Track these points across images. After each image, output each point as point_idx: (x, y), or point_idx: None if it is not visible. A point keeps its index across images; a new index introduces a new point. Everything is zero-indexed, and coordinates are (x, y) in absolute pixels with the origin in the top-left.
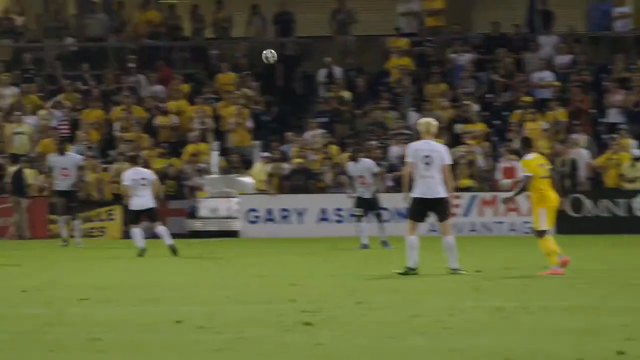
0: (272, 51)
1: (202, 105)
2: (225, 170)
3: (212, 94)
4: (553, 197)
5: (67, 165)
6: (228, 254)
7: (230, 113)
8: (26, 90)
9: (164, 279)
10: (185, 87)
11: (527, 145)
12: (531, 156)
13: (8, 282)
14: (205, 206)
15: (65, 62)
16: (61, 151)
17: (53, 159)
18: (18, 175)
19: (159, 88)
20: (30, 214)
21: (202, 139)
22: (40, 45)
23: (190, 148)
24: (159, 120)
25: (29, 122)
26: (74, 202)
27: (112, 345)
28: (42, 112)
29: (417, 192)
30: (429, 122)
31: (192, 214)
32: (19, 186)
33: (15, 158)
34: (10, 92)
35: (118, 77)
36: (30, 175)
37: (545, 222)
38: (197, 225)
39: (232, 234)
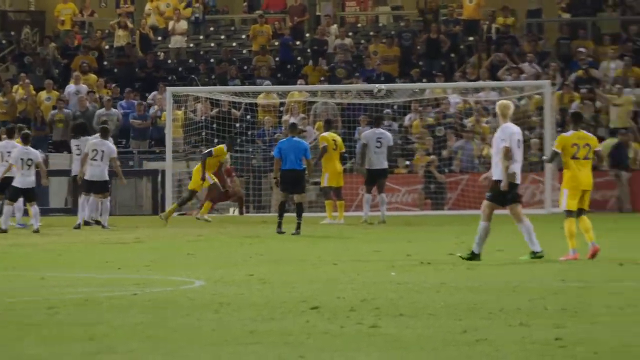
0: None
1: None
2: None
3: None
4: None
5: None
6: None
7: None
8: (629, 63)
9: None
10: None
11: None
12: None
13: (605, 256)
14: None
15: None
16: None
17: None
18: (619, 149)
19: None
20: (631, 187)
21: None
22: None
23: None
24: None
25: (629, 94)
26: None
27: None
28: None
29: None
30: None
31: None
32: (619, 159)
33: (614, 131)
34: (615, 65)
35: None
36: (634, 148)
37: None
38: None
39: None
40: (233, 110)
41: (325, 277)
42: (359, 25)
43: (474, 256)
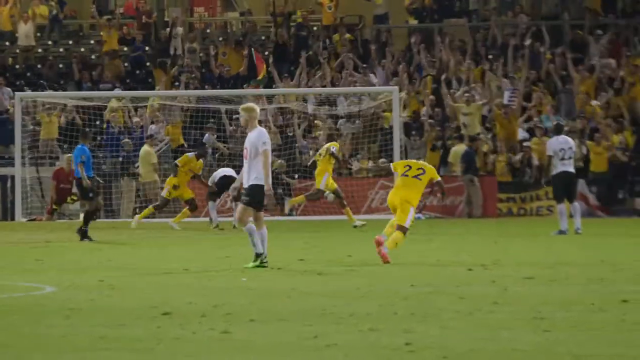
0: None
1: None
2: None
3: None
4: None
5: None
6: None
7: None
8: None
9: (609, 259)
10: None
11: None
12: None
13: (454, 261)
14: None
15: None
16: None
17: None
18: (470, 155)
19: (610, 61)
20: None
21: None
22: (487, 24)
23: None
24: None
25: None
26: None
27: (556, 325)
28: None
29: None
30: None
31: None
32: (470, 165)
33: (462, 137)
34: (464, 71)
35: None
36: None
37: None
38: None
39: None
40: (80, 116)
41: (176, 283)
42: (208, 30)
43: (259, 256)
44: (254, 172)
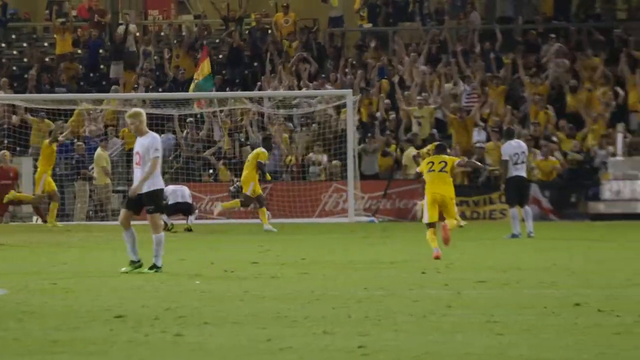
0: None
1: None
2: (629, 152)
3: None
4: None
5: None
6: (631, 237)
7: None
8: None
9: (562, 263)
10: (596, 62)
11: None
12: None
13: (408, 264)
14: (609, 189)
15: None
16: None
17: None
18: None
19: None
20: None
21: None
22: (441, 27)
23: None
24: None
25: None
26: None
27: (509, 328)
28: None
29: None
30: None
31: (595, 196)
32: None
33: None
34: (418, 74)
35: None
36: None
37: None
38: (600, 207)
39: (637, 217)
40: (43, 120)
41: (130, 286)
42: (162, 34)
43: (157, 268)
44: (150, 177)
